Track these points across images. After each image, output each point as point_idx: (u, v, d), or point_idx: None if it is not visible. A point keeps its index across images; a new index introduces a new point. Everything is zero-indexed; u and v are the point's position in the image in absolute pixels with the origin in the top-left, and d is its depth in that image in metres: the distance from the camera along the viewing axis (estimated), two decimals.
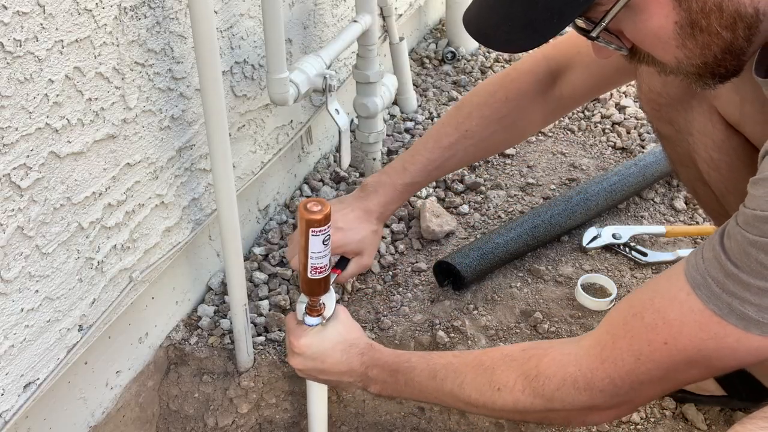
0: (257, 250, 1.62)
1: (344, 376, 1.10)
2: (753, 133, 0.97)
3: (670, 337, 0.82)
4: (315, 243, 1.00)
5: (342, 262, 1.27)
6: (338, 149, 1.54)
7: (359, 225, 1.26)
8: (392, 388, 1.08)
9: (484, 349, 1.01)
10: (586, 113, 2.13)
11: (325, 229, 0.99)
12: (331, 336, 1.11)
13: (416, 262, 1.61)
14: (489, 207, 1.77)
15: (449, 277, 1.54)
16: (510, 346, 1.05)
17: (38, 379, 1.07)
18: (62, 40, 0.97)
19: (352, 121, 1.91)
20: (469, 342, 1.42)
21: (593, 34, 0.81)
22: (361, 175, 1.85)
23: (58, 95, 0.98)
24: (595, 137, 2.04)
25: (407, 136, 2.03)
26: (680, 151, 1.11)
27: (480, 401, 0.98)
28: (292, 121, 1.68)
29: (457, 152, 1.28)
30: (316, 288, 1.07)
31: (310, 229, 0.98)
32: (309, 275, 1.04)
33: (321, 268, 1.03)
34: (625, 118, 2.07)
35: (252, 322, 1.44)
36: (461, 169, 1.86)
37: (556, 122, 2.10)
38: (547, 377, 0.92)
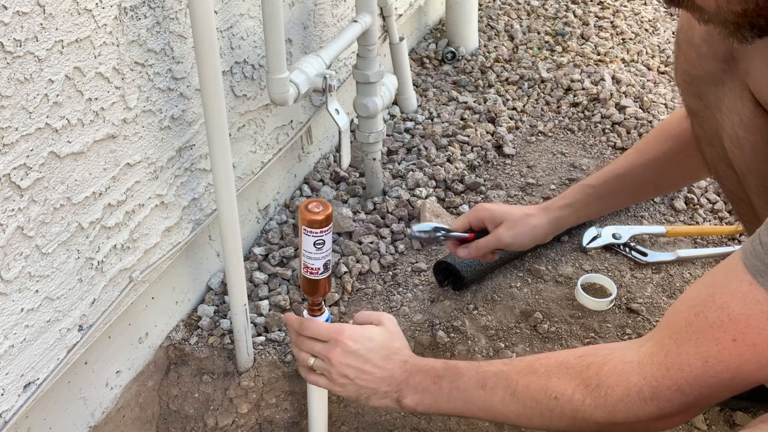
0: (257, 250, 1.62)
1: (382, 384, 1.04)
2: None
3: (738, 333, 0.77)
4: (306, 242, 1.01)
5: (481, 234, 1.24)
6: (338, 149, 1.54)
7: (512, 207, 1.24)
8: (432, 398, 1.02)
9: (534, 355, 0.97)
10: (586, 113, 2.13)
11: (317, 232, 0.99)
12: (376, 337, 1.06)
13: (416, 262, 1.61)
14: None
15: (449, 277, 1.54)
16: (563, 352, 0.98)
17: (38, 379, 1.07)
18: (62, 40, 0.97)
19: (352, 121, 1.91)
20: (469, 342, 1.42)
21: None
22: (361, 175, 1.85)
23: (58, 95, 0.98)
24: (595, 137, 2.04)
25: (407, 136, 2.04)
26: (707, 128, 1.09)
27: (536, 410, 0.93)
28: (292, 121, 1.68)
29: (635, 167, 1.28)
30: (309, 287, 1.08)
31: (303, 227, 0.99)
32: (302, 272, 1.06)
33: (312, 269, 1.04)
34: (625, 118, 2.07)
35: (252, 322, 1.44)
36: (462, 170, 1.85)
37: (556, 122, 2.10)
38: (609, 387, 0.87)
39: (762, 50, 0.95)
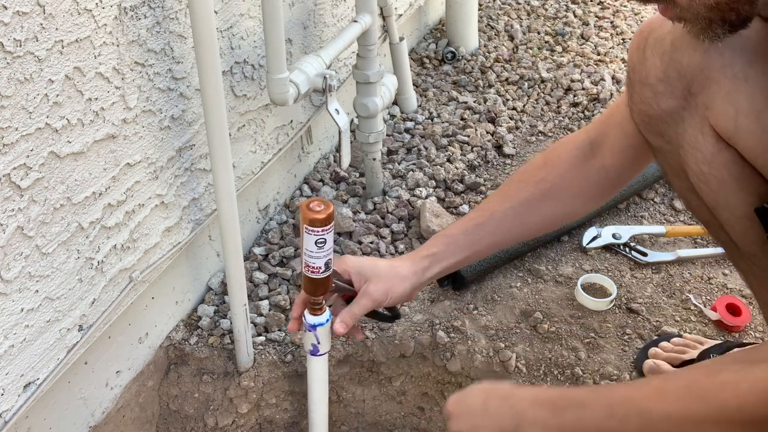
0: (257, 250, 1.62)
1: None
2: (747, 147, 0.93)
3: None
4: (308, 241, 1.02)
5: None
6: (338, 149, 1.55)
7: (377, 260, 1.19)
8: (558, 429, 0.96)
9: (655, 376, 0.90)
10: (586, 113, 2.13)
11: (318, 231, 1.00)
12: (470, 392, 1.04)
13: None
14: None
15: (449, 276, 1.54)
16: (690, 372, 0.94)
17: (38, 379, 1.07)
18: (62, 40, 0.97)
19: (352, 121, 1.91)
20: (469, 342, 1.42)
21: None
22: (361, 175, 1.85)
23: (58, 95, 0.98)
24: None
25: (407, 136, 2.04)
26: (672, 162, 1.09)
27: None
28: (292, 121, 1.68)
29: (495, 213, 1.25)
30: (310, 286, 1.08)
31: (304, 226, 1.00)
32: (303, 270, 1.06)
33: (313, 267, 1.04)
34: None
35: (252, 322, 1.44)
36: (462, 170, 1.86)
37: (556, 122, 2.10)
38: (755, 407, 0.81)
39: (720, 82, 0.94)
